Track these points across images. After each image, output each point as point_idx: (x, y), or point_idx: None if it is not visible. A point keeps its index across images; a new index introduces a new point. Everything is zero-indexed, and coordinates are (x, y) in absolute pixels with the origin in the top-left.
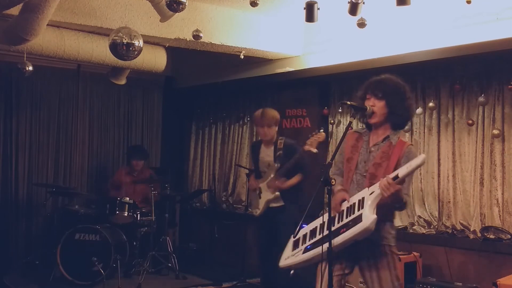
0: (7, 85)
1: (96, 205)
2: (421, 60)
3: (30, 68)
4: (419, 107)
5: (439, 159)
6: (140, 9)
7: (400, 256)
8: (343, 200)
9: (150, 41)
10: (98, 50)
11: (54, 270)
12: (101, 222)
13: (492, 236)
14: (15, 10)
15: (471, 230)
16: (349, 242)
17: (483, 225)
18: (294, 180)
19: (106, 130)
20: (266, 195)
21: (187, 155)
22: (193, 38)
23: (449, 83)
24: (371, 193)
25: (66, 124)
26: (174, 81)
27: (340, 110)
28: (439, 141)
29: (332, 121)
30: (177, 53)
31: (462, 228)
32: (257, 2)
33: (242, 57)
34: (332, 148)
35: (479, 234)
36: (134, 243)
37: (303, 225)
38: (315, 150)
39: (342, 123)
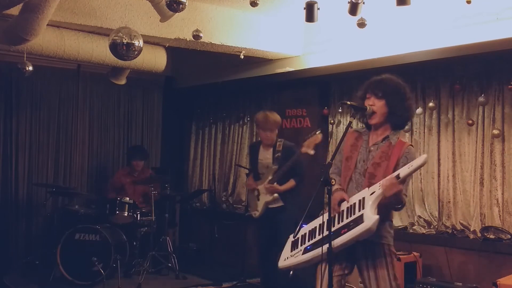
0: (7, 85)
1: (96, 205)
2: (421, 60)
3: (30, 68)
4: (419, 107)
5: (439, 159)
6: (140, 9)
7: (400, 256)
8: (342, 200)
9: (150, 41)
10: (98, 50)
11: (54, 270)
12: (101, 222)
13: (492, 236)
14: (15, 10)
15: (471, 230)
16: (350, 242)
17: (483, 225)
18: (289, 185)
19: (106, 130)
20: (265, 197)
21: (187, 155)
22: (193, 38)
23: (449, 83)
24: (371, 193)
25: (66, 124)
26: (174, 81)
27: (340, 110)
28: (439, 141)
29: (332, 121)
30: (177, 53)
31: (462, 228)
32: (257, 2)
33: (242, 57)
34: (332, 148)
35: (479, 234)
36: (134, 243)
37: (303, 225)
38: (312, 152)
39: (342, 123)
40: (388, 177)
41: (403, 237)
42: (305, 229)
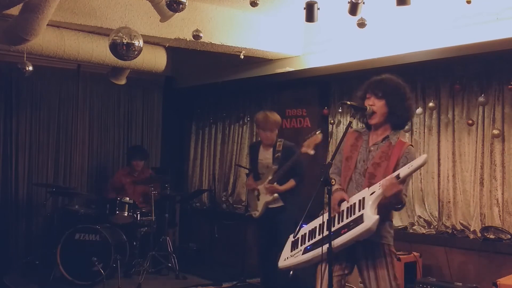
0: (7, 85)
1: (96, 205)
2: (421, 60)
3: (30, 68)
4: (419, 107)
5: (439, 159)
6: (140, 9)
7: (400, 256)
8: (342, 200)
9: (150, 41)
10: (98, 50)
11: (54, 270)
12: (101, 222)
13: (492, 236)
14: (15, 10)
15: (471, 230)
16: (350, 242)
17: (483, 225)
18: (289, 185)
19: (106, 130)
20: (265, 197)
21: (187, 155)
22: (193, 38)
23: (449, 83)
24: (371, 193)
25: (66, 124)
26: (174, 81)
27: (340, 110)
28: (439, 141)
29: (332, 121)
30: (177, 53)
31: (462, 228)
32: (257, 2)
33: (242, 57)
34: (332, 148)
35: (479, 234)
36: (134, 243)
37: (303, 225)
38: (312, 152)
39: (342, 123)
40: (388, 177)
41: (403, 237)
42: (305, 229)
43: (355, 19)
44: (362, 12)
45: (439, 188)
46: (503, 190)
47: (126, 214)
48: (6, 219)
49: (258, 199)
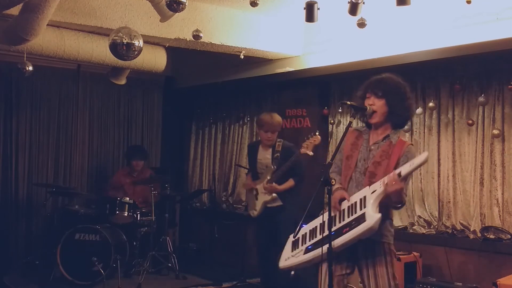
0: (7, 85)
1: (96, 205)
2: (421, 60)
3: (30, 68)
4: (419, 107)
5: (439, 159)
6: (140, 9)
7: (400, 256)
8: (343, 199)
9: (150, 41)
10: (98, 50)
11: (54, 270)
12: (101, 222)
13: (492, 236)
14: (15, 10)
15: (471, 230)
16: (353, 241)
17: (483, 225)
18: (288, 184)
19: (106, 130)
20: (263, 196)
21: (187, 155)
22: (193, 38)
23: (449, 83)
24: (372, 192)
25: (66, 124)
26: (174, 81)
27: (340, 110)
28: (439, 141)
29: (332, 121)
30: (177, 53)
31: (462, 228)
32: (257, 2)
33: (242, 57)
34: (332, 148)
35: (479, 234)
36: (134, 243)
37: (303, 225)
38: (311, 153)
39: (342, 123)
40: (390, 174)
41: (403, 237)
42: (306, 228)
43: (355, 19)
44: (362, 12)
45: (439, 188)
46: (503, 190)
47: (126, 214)
48: (6, 219)
49: (257, 199)
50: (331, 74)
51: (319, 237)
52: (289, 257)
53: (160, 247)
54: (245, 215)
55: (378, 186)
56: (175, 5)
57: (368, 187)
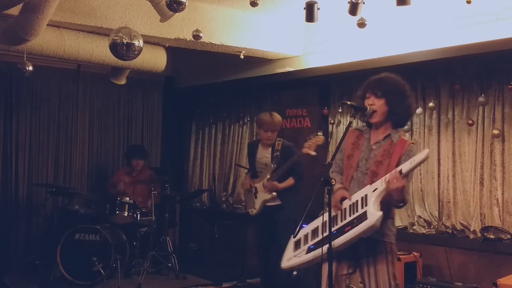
0: (7, 85)
1: (96, 205)
2: (421, 60)
3: (30, 68)
4: (419, 107)
5: (439, 159)
6: (140, 9)
7: (400, 256)
8: (343, 198)
9: (150, 41)
10: (98, 50)
11: (54, 270)
12: (101, 222)
13: (492, 236)
14: (15, 10)
15: (471, 230)
16: (354, 240)
17: (483, 225)
18: (287, 183)
19: (106, 130)
20: (263, 195)
21: (187, 155)
22: (193, 38)
23: (449, 83)
24: (374, 190)
25: (66, 124)
26: (174, 81)
27: (340, 110)
28: (439, 141)
29: (332, 121)
30: (177, 53)
31: (462, 228)
32: (257, 2)
33: (242, 57)
34: (332, 148)
35: (479, 234)
36: (134, 243)
37: (303, 225)
38: (313, 153)
39: (342, 123)
40: (391, 172)
41: (403, 237)
42: (307, 228)
43: (355, 19)
44: (362, 12)
45: (439, 188)
46: (503, 190)
47: (126, 214)
48: (6, 219)
49: (256, 197)
50: (331, 74)
51: (321, 236)
52: (291, 257)
53: (160, 247)
54: (246, 214)
55: (380, 184)
56: (175, 5)
57: (369, 185)
